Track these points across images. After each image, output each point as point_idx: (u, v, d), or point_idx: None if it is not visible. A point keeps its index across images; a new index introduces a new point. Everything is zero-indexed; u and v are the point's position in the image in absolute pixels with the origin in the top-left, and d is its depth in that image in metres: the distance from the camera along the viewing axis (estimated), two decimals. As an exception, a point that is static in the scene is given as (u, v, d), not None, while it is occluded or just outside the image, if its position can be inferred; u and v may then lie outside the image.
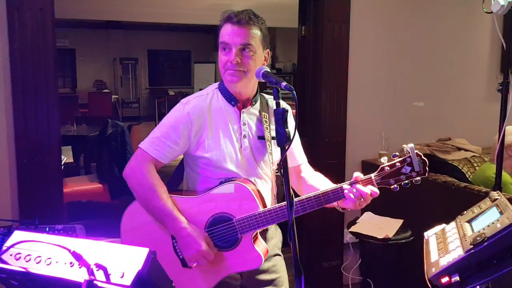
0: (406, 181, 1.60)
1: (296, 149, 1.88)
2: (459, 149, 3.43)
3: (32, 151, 2.43)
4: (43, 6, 2.37)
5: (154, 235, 1.69)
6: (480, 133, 3.60)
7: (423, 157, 1.60)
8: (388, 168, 1.60)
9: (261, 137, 1.76)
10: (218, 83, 1.78)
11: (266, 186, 1.79)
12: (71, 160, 5.13)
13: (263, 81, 1.53)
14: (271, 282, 1.81)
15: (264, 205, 1.67)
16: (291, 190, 1.39)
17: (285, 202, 1.58)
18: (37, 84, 2.40)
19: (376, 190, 1.59)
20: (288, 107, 1.78)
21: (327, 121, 3.17)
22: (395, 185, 1.61)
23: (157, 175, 1.67)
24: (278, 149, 1.76)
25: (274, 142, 1.73)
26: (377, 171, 1.62)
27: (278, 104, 1.36)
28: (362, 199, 1.58)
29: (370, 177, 1.61)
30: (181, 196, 1.70)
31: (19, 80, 2.38)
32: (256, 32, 1.65)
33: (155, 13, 8.42)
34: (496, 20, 2.17)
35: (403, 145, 1.61)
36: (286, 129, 1.34)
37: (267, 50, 1.72)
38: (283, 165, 1.37)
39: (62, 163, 3.22)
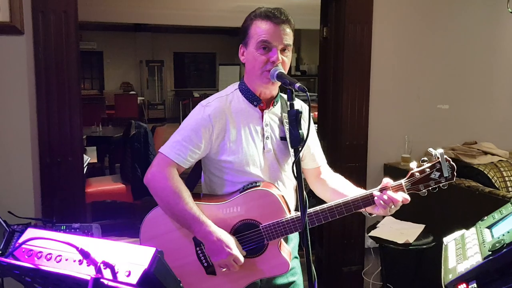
0: (434, 186, 1.60)
1: (317, 150, 1.83)
2: (486, 153, 3.33)
3: (55, 151, 2.47)
4: (66, 9, 2.41)
5: (175, 243, 1.63)
6: (508, 137, 3.50)
7: (451, 162, 1.59)
8: (418, 174, 1.59)
9: (284, 138, 1.70)
10: (237, 83, 1.72)
11: (289, 190, 1.76)
12: (96, 161, 5.20)
13: (278, 82, 1.52)
14: (288, 285, 1.78)
15: (290, 211, 1.63)
16: (304, 193, 1.37)
17: (312, 208, 1.58)
18: (60, 85, 2.44)
19: (407, 196, 1.58)
20: (305, 105, 1.76)
21: (348, 123, 3.12)
22: (424, 190, 1.61)
23: (180, 179, 1.62)
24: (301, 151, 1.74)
25: None
26: (407, 177, 1.61)
27: (292, 106, 1.35)
28: (393, 206, 1.58)
29: (401, 184, 1.60)
30: (205, 203, 1.64)
31: (43, 82, 2.42)
32: (291, 32, 1.62)
33: (181, 15, 8.52)
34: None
35: (430, 148, 1.60)
36: (300, 131, 1.33)
37: None
38: (296, 167, 1.35)
39: (86, 163, 3.28)
